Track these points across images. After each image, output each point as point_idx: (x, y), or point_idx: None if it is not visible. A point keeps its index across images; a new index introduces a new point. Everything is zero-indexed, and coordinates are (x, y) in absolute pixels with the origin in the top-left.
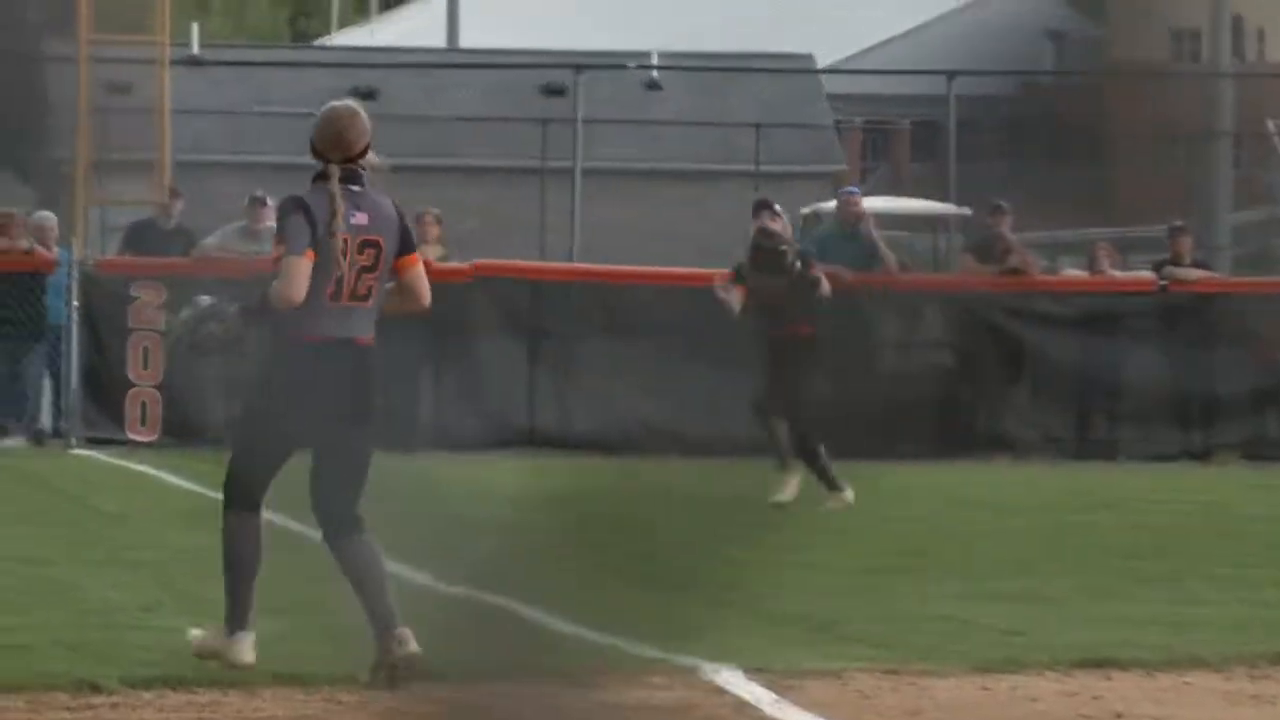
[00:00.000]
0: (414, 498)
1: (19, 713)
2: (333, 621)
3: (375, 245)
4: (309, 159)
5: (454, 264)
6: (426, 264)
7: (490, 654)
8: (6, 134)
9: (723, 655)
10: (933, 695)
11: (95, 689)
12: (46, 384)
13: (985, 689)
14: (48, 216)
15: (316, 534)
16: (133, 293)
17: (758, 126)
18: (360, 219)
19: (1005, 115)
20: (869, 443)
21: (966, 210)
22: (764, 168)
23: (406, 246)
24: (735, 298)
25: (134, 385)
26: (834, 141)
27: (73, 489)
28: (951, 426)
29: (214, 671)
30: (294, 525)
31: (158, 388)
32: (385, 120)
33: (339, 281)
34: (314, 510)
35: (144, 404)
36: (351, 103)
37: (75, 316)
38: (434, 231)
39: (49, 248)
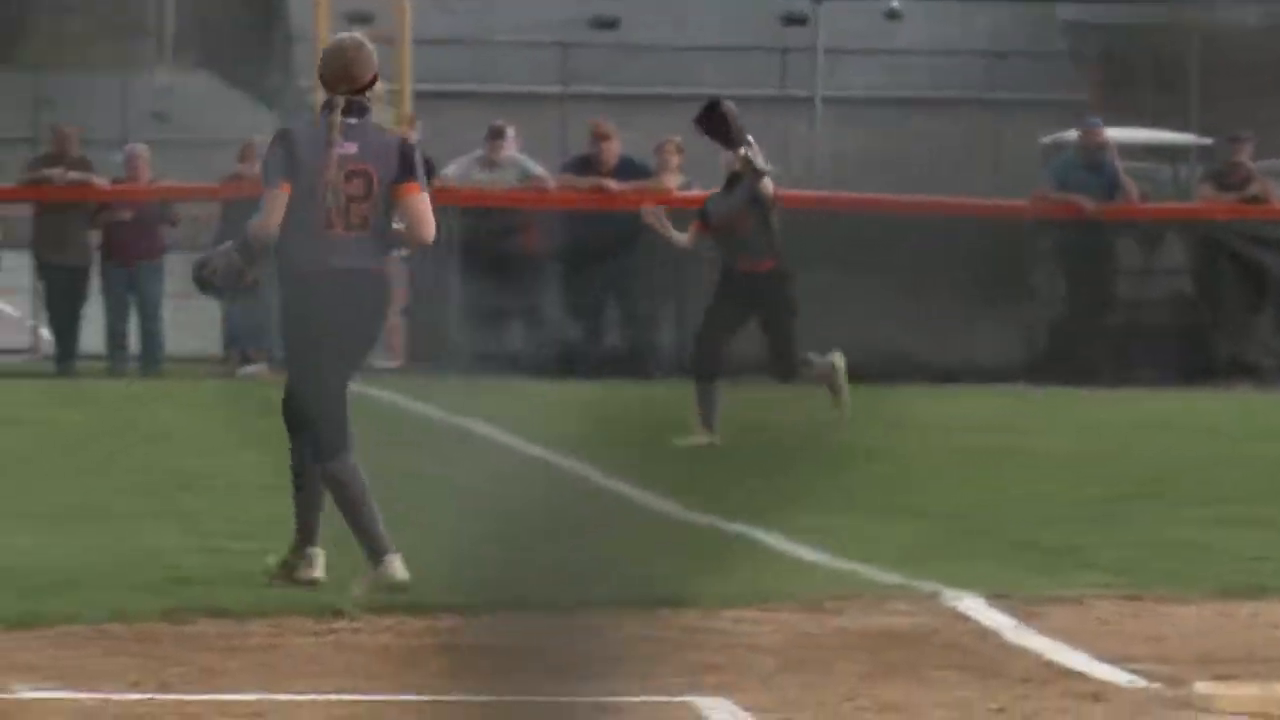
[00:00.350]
0: (656, 427)
1: (263, 636)
2: (578, 549)
3: (364, 174)
4: (549, 88)
5: (695, 193)
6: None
7: (733, 582)
8: (251, 62)
9: (964, 581)
10: (1174, 621)
11: (338, 614)
12: None
13: (1226, 614)
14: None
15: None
16: None
17: (997, 55)
18: (349, 149)
19: (1246, 44)
20: (1111, 369)
21: (1207, 140)
22: (1001, 95)
23: (405, 175)
24: (666, 224)
25: None
26: (1073, 71)
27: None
28: (1193, 354)
29: (455, 597)
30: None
31: (402, 314)
32: (625, 49)
33: (328, 211)
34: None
35: (387, 331)
36: (358, 34)
37: None
38: (675, 160)
39: None
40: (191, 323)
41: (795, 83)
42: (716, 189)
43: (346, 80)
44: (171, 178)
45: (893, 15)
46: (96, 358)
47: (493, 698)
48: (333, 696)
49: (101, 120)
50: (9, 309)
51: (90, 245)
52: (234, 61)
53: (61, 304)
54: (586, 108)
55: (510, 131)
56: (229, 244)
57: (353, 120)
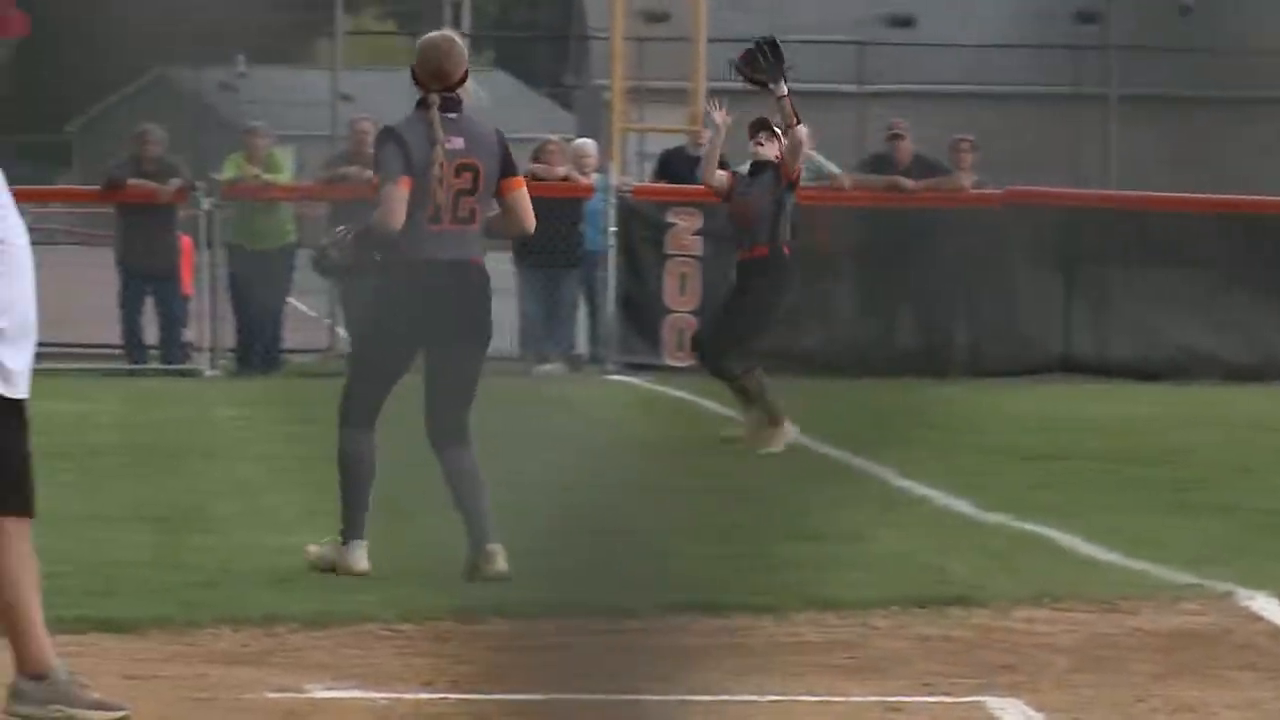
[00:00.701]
0: (949, 426)
1: (553, 636)
2: (870, 549)
3: (472, 169)
4: (845, 86)
5: (986, 190)
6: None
7: (1027, 580)
8: (549, 62)
9: (1258, 581)
10: None
11: (629, 614)
12: (582, 310)
13: None
14: (587, 144)
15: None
16: (668, 219)
17: None
18: (456, 144)
19: None
20: None
21: None
22: None
23: (508, 170)
24: (720, 121)
25: (670, 311)
26: None
27: (608, 414)
28: None
29: (751, 598)
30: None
31: (695, 313)
32: (917, 49)
33: (438, 205)
34: (425, 422)
35: (681, 330)
36: (450, 33)
37: (613, 242)
38: (967, 158)
39: (586, 175)
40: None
41: (1089, 79)
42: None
43: (439, 78)
44: None
45: (1184, 10)
46: None
47: (788, 698)
48: (619, 696)
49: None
50: (306, 309)
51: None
52: (530, 61)
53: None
54: (881, 105)
55: (805, 129)
56: (343, 230)
57: (452, 115)
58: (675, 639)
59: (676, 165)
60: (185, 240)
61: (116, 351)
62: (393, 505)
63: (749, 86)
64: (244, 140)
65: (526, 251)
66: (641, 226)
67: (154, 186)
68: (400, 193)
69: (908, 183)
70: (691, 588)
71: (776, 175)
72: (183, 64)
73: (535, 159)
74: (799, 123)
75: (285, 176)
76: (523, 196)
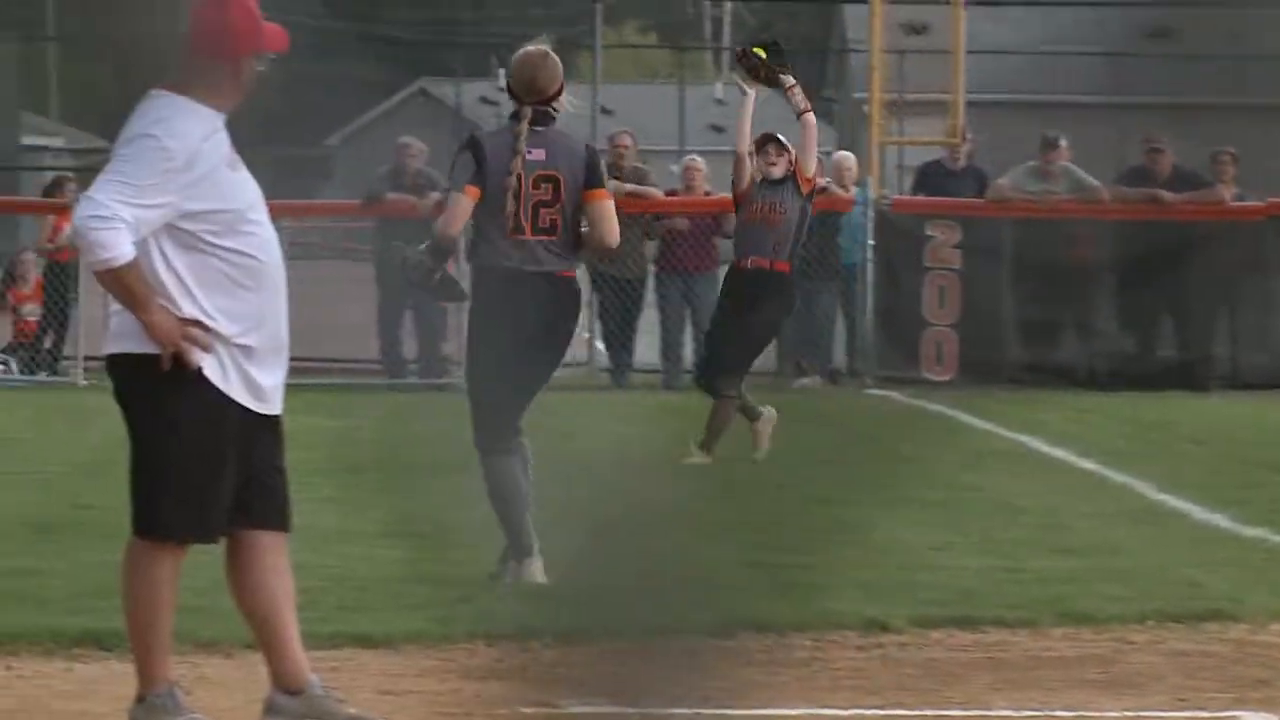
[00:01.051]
0: (1209, 439)
1: (806, 649)
2: (1126, 563)
3: (552, 180)
4: (1102, 98)
5: (1248, 203)
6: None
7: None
8: (809, 75)
9: None
10: None
11: (883, 628)
12: (840, 324)
13: None
14: (847, 156)
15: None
16: (928, 232)
17: None
18: (537, 155)
19: None
20: None
21: None
22: None
23: (593, 181)
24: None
25: (930, 325)
26: None
27: (867, 428)
28: None
29: (1002, 611)
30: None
31: (954, 327)
32: (1178, 60)
33: (515, 215)
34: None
35: (939, 343)
36: (545, 47)
37: (871, 255)
38: (1230, 170)
39: (846, 188)
40: None
41: None
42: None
43: (533, 91)
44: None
45: None
46: (651, 371)
47: (1044, 713)
48: (877, 711)
49: (659, 130)
50: None
51: (646, 257)
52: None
53: (616, 316)
54: (1140, 118)
55: (1063, 142)
56: (426, 244)
57: (539, 128)
58: (929, 653)
59: (935, 178)
60: None
61: (376, 366)
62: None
63: (1007, 97)
64: None
65: None
66: (900, 239)
67: (413, 200)
68: (464, 201)
69: (1167, 195)
70: (947, 601)
71: (796, 187)
72: (445, 77)
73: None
74: (809, 109)
75: None
76: (603, 207)
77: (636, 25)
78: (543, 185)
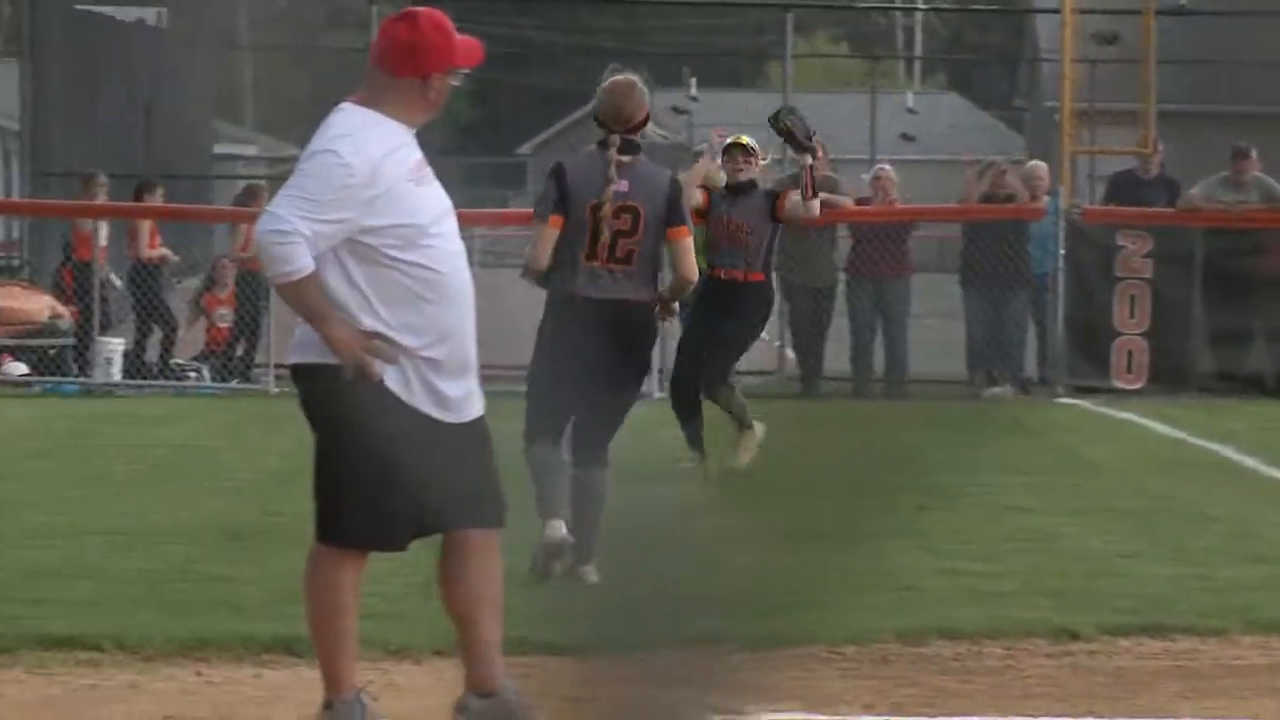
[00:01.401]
0: None
1: (998, 657)
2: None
3: (632, 211)
4: None
5: None
6: None
7: None
8: (1000, 84)
9: None
10: None
11: (1073, 636)
12: (1031, 332)
13: None
14: (1039, 166)
15: None
16: (1119, 242)
17: None
18: (621, 186)
19: None
20: None
21: None
22: None
23: (674, 218)
24: (695, 179)
25: (1120, 333)
26: None
27: (1058, 437)
28: None
29: (1191, 619)
30: None
31: (1145, 335)
32: None
33: (593, 244)
34: (571, 440)
35: (1130, 352)
36: (632, 76)
37: (1062, 264)
38: None
39: (1038, 197)
40: (938, 341)
41: None
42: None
43: (620, 120)
44: (917, 199)
45: None
46: (842, 379)
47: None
48: (1068, 719)
49: (850, 140)
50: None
51: (835, 265)
52: (982, 83)
53: (807, 324)
54: None
55: (1254, 152)
56: (520, 272)
57: (625, 158)
58: (1118, 661)
59: (1126, 188)
60: None
61: None
62: (827, 528)
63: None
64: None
65: (972, 273)
66: (1091, 249)
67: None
68: (549, 232)
69: None
70: (1136, 609)
71: (770, 204)
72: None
73: (979, 180)
74: (815, 198)
75: None
76: (682, 247)
77: (828, 35)
78: (623, 215)
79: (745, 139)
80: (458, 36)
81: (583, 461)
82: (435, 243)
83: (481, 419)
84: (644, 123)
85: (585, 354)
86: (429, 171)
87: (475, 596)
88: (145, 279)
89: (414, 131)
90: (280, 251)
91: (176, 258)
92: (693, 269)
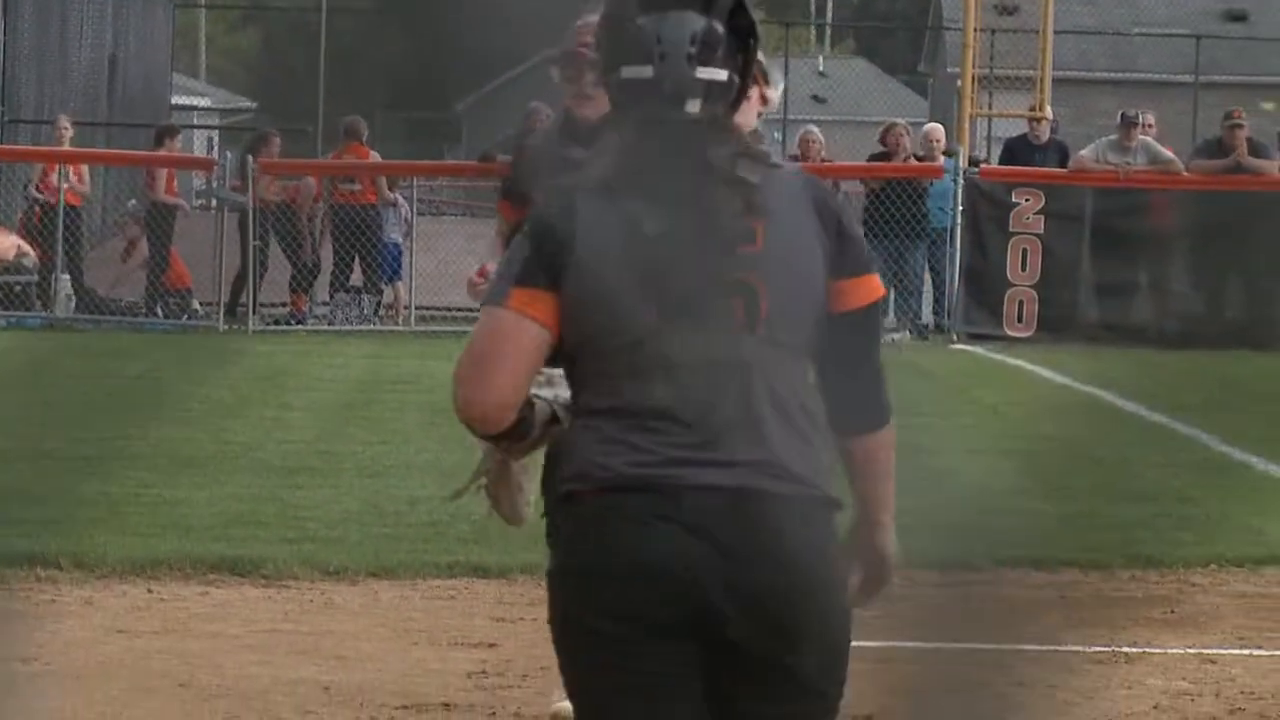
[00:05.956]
0: (1272, 395)
1: (894, 587)
2: (1192, 511)
3: None
4: (1182, 77)
5: None
6: None
7: None
8: (906, 51)
9: None
10: None
11: (968, 566)
12: (928, 282)
13: None
14: (936, 128)
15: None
16: (1013, 199)
17: None
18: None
19: None
20: None
21: None
22: None
23: None
24: None
25: (1013, 285)
26: None
27: (953, 381)
28: None
29: (1075, 553)
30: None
31: (1035, 287)
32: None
33: None
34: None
35: (1021, 302)
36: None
37: (960, 220)
38: None
39: (935, 157)
40: None
41: None
42: None
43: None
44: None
45: None
46: None
47: (1111, 649)
48: (957, 645)
49: None
50: None
51: None
52: (888, 49)
53: None
54: (1216, 96)
55: (1141, 117)
56: None
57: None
58: (1008, 592)
59: (1021, 152)
60: None
61: None
62: None
63: (1091, 75)
64: None
65: (875, 227)
66: (988, 205)
67: None
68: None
69: (1255, 162)
70: (1024, 544)
71: None
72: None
73: (882, 140)
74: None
75: None
76: None
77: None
78: None
79: None
80: None
81: None
82: None
83: None
84: None
85: None
86: None
87: None
88: (159, 220)
89: None
90: None
91: (190, 208)
92: None
